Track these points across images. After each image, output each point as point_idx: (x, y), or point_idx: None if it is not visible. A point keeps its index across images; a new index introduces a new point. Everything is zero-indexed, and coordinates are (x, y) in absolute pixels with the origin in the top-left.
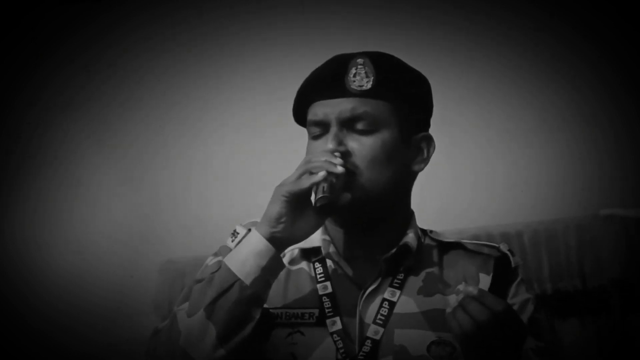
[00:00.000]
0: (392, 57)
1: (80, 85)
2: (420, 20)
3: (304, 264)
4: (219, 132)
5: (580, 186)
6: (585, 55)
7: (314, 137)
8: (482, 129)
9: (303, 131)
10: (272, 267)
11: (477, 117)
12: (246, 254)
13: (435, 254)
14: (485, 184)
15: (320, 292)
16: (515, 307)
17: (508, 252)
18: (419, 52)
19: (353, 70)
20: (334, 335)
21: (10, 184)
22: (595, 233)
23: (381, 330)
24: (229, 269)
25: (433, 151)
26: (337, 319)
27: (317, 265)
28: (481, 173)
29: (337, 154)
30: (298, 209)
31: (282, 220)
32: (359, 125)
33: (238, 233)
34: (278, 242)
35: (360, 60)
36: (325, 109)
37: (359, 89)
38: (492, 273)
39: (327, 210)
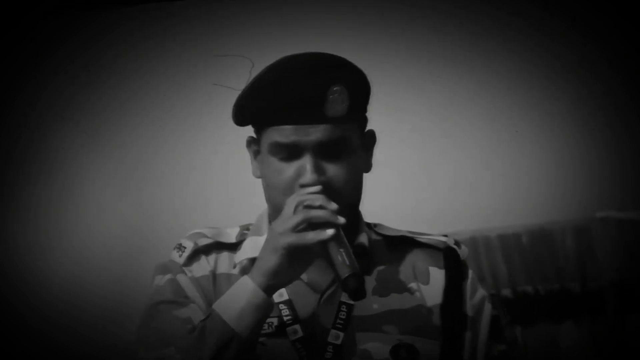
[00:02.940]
0: (359, 72)
1: (79, 86)
2: (419, 19)
3: None
4: (219, 132)
5: (578, 188)
6: (585, 56)
7: (280, 159)
8: (479, 130)
9: None
10: (267, 316)
11: (475, 118)
12: (243, 307)
13: (383, 249)
14: (483, 185)
15: (277, 300)
16: (473, 307)
17: (455, 245)
18: (418, 52)
19: (330, 97)
20: (296, 343)
21: (11, 183)
22: (592, 235)
23: (341, 334)
24: (225, 322)
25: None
26: (297, 326)
27: None
28: (479, 175)
29: (316, 188)
30: (296, 260)
31: (281, 271)
32: (334, 151)
33: (185, 247)
34: (272, 292)
35: (336, 88)
36: (297, 134)
37: (334, 115)
38: (445, 268)
39: (361, 293)
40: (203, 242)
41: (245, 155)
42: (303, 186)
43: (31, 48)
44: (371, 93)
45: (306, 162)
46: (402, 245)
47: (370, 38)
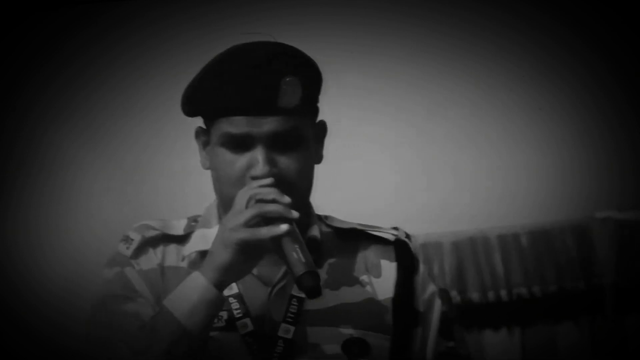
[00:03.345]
0: (311, 63)
1: (79, 87)
2: (418, 19)
3: None
4: None
5: (577, 188)
6: (584, 56)
7: (231, 150)
8: (479, 130)
9: None
10: (218, 312)
11: (474, 118)
12: (194, 303)
13: (334, 242)
14: (483, 185)
15: (227, 294)
16: (424, 302)
17: (406, 239)
18: (417, 51)
19: (283, 88)
20: (246, 337)
21: (10, 183)
22: (592, 235)
23: (292, 328)
24: (176, 319)
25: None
26: (248, 320)
27: None
28: (479, 175)
29: (268, 180)
30: (248, 255)
31: (233, 267)
32: (286, 142)
33: (132, 239)
34: (224, 287)
35: (289, 79)
36: (249, 125)
37: (287, 106)
38: (396, 261)
39: (317, 291)
40: (150, 234)
41: None
42: (254, 178)
43: (31, 47)
44: (322, 83)
45: (258, 153)
46: (353, 238)
47: (370, 39)
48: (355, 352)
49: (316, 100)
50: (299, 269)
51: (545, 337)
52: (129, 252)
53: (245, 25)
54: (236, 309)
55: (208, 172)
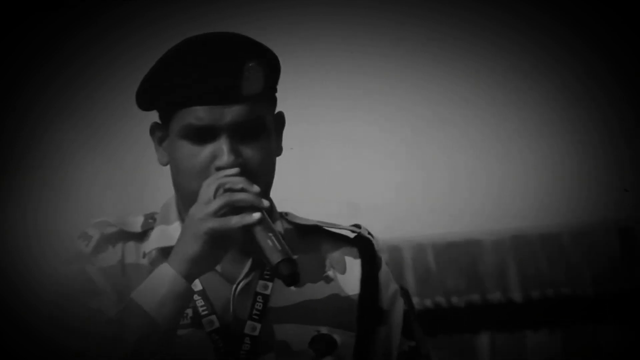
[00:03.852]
0: (267, 49)
1: (79, 87)
2: (417, 19)
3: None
4: None
5: (578, 191)
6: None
7: (192, 142)
8: (478, 130)
9: (306, 129)
10: (187, 305)
11: (474, 118)
12: (163, 295)
13: (295, 239)
14: (482, 186)
15: None
16: (387, 300)
17: (369, 235)
18: (417, 51)
19: (245, 75)
20: (213, 335)
21: (9, 182)
22: (593, 240)
23: (258, 326)
24: (145, 312)
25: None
26: (214, 317)
27: None
28: (478, 176)
29: (234, 170)
30: (219, 246)
31: (203, 258)
32: (250, 132)
33: (91, 236)
34: (193, 279)
35: (251, 64)
36: (212, 115)
37: (250, 93)
38: (360, 257)
39: (296, 278)
40: (108, 230)
41: None
42: (220, 169)
43: (31, 47)
44: (281, 72)
45: (222, 144)
46: (314, 235)
47: (371, 39)
48: (322, 349)
49: (275, 89)
50: (276, 257)
51: (586, 338)
52: (88, 250)
53: (246, 25)
54: (201, 306)
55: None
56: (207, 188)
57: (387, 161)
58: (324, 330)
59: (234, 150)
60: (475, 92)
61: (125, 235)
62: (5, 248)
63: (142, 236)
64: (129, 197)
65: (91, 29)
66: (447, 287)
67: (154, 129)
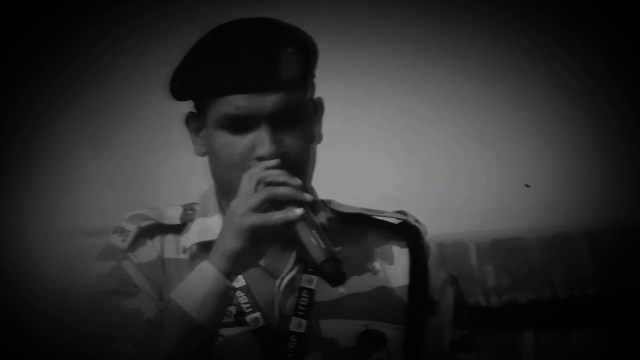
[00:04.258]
0: (305, 33)
1: (79, 87)
2: (418, 19)
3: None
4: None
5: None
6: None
7: (231, 132)
8: (477, 130)
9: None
10: (229, 304)
11: (475, 117)
12: (205, 295)
13: (339, 228)
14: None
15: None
16: (437, 290)
17: (416, 223)
18: (417, 51)
19: (283, 60)
20: (257, 333)
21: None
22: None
23: (304, 322)
24: (186, 313)
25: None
26: (258, 314)
27: None
28: (477, 176)
29: (275, 162)
30: (260, 242)
31: (244, 255)
32: (290, 120)
33: (128, 231)
34: (234, 276)
35: (290, 49)
36: (251, 104)
37: (289, 79)
38: (408, 246)
39: (341, 278)
40: (145, 223)
41: None
42: (260, 159)
43: (31, 47)
44: (318, 57)
45: (262, 133)
46: (359, 223)
47: (371, 39)
48: (371, 345)
49: (314, 74)
50: (319, 256)
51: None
52: (125, 245)
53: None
54: (245, 303)
55: (208, 173)
56: (248, 182)
57: (387, 160)
58: (372, 325)
59: (274, 140)
60: (475, 92)
61: (164, 229)
62: (4, 248)
63: (181, 229)
64: (129, 197)
65: (91, 29)
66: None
67: (189, 118)
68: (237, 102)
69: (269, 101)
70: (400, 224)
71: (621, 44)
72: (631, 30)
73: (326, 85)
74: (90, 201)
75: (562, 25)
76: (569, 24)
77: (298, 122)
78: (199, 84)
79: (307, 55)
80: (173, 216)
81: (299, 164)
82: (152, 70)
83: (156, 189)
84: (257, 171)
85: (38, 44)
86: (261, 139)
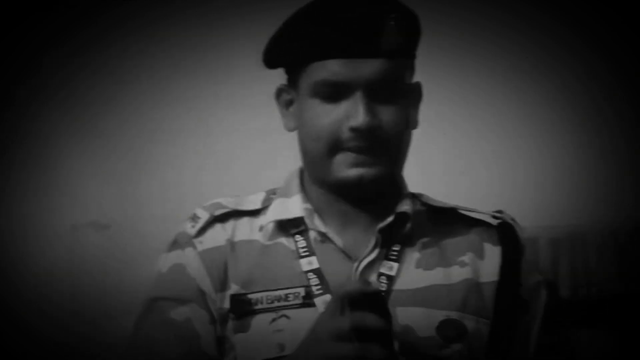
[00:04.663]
0: (410, 9)
1: (79, 86)
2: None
3: (282, 239)
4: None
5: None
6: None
7: (324, 100)
8: (477, 130)
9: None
10: None
11: (475, 117)
12: None
13: (429, 221)
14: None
15: (305, 269)
16: (529, 291)
17: (511, 221)
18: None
19: (387, 26)
20: None
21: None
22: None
23: None
24: None
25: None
26: (328, 296)
27: (299, 238)
28: (477, 175)
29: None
30: None
31: None
32: (387, 92)
33: (199, 217)
34: None
35: (395, 16)
36: (348, 70)
37: (390, 47)
38: (500, 244)
39: None
40: (220, 212)
41: (238, 143)
42: (354, 130)
43: (31, 47)
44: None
45: (357, 102)
46: (451, 218)
47: None
48: (451, 335)
49: (415, 55)
50: None
51: None
52: (193, 231)
53: (246, 25)
54: (315, 285)
55: (203, 171)
56: (334, 302)
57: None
58: (453, 315)
59: (370, 110)
60: (475, 92)
61: (240, 214)
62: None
63: (259, 212)
64: (128, 196)
65: (91, 29)
66: None
67: (280, 91)
68: (333, 68)
69: (367, 68)
70: (494, 222)
71: (621, 44)
72: (631, 30)
73: None
74: (88, 199)
75: (562, 25)
76: (569, 24)
77: (395, 98)
78: (296, 47)
79: (411, 29)
80: (254, 202)
81: (392, 142)
82: (150, 69)
83: (156, 189)
84: (356, 349)
85: (38, 44)
86: (355, 109)
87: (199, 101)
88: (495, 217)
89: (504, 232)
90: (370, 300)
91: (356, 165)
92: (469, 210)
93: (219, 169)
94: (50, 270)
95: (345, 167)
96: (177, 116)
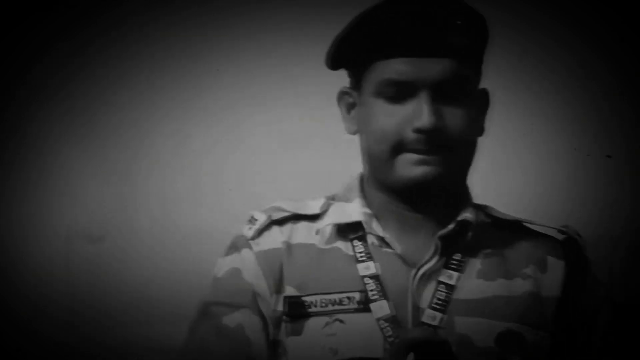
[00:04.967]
0: (478, 12)
1: (78, 86)
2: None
3: (339, 243)
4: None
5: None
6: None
7: (388, 100)
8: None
9: (299, 130)
10: None
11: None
12: None
13: (492, 232)
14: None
15: (362, 273)
16: (591, 307)
17: (577, 236)
18: None
19: (454, 28)
20: (381, 322)
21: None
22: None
23: (438, 315)
24: None
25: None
26: (384, 302)
27: (357, 243)
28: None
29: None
30: None
31: None
32: (453, 93)
33: (256, 219)
34: None
35: (461, 18)
36: (414, 69)
37: (458, 45)
38: (565, 259)
39: None
40: (278, 215)
41: (239, 147)
42: (419, 131)
43: (31, 47)
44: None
45: (422, 102)
46: (515, 231)
47: None
48: (510, 347)
49: (482, 60)
50: None
51: None
52: (250, 233)
53: (246, 24)
54: (371, 290)
55: (200, 173)
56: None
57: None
58: (513, 327)
59: (435, 111)
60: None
61: (298, 217)
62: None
63: (317, 217)
64: (127, 195)
65: (91, 29)
66: None
67: (342, 94)
68: (399, 67)
69: (433, 68)
70: (559, 237)
71: (621, 44)
72: (631, 30)
73: (327, 85)
74: (88, 199)
75: (562, 25)
76: (569, 24)
77: (461, 101)
78: (361, 47)
79: (479, 31)
80: (314, 206)
81: (455, 145)
82: (150, 66)
83: (154, 190)
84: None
85: (38, 44)
86: (420, 109)
87: (199, 101)
88: (561, 232)
89: (569, 247)
90: (435, 349)
91: (420, 163)
92: (535, 224)
93: (218, 172)
94: (50, 270)
95: (410, 166)
96: (177, 117)
